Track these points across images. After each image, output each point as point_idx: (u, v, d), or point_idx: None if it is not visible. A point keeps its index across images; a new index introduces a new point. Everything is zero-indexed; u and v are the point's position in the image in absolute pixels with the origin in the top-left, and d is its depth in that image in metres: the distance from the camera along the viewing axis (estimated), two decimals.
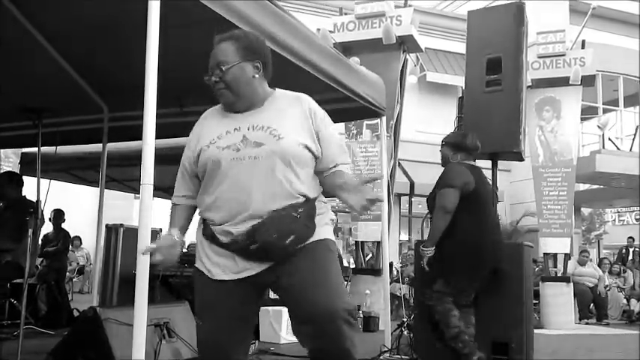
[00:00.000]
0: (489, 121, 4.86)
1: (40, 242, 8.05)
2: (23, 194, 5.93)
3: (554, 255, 9.84)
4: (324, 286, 2.03)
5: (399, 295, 8.84)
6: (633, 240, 15.02)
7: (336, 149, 2.20)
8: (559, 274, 9.64)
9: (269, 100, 2.20)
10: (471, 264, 4.13)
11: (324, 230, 2.16)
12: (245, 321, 2.20)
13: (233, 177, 2.06)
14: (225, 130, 2.13)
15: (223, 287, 2.10)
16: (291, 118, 2.14)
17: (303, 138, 2.12)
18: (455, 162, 4.34)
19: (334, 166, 2.17)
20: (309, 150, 2.13)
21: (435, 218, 4.13)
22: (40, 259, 8.25)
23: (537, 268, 10.46)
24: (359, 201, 2.01)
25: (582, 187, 17.06)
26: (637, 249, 14.24)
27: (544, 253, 9.83)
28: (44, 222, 5.57)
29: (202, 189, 2.17)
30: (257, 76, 2.16)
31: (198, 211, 2.21)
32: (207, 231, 2.13)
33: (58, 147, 6.01)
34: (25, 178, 6.80)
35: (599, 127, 16.30)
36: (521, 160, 5.19)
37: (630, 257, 13.59)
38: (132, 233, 5.97)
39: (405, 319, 6.50)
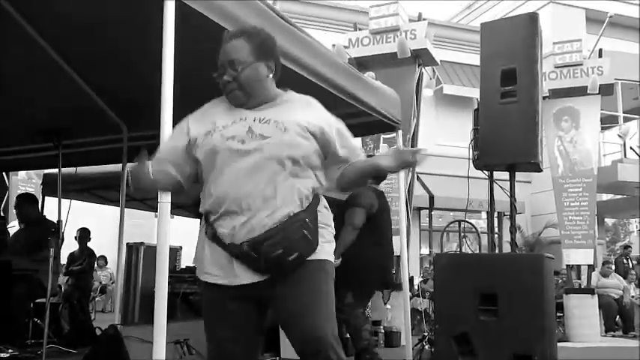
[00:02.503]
0: (506, 133, 4.84)
1: (65, 261, 8.17)
2: (44, 214, 6.04)
3: (578, 267, 9.71)
4: (310, 314, 1.98)
5: (420, 309, 8.78)
6: (631, 249, 14.73)
7: (357, 150, 2.20)
8: (583, 286, 9.50)
9: (280, 98, 2.13)
10: (373, 277, 4.72)
11: (325, 248, 2.08)
12: (245, 331, 2.08)
13: (236, 171, 1.97)
14: (231, 120, 2.05)
15: (220, 292, 2.03)
16: (301, 114, 2.07)
17: (310, 134, 2.04)
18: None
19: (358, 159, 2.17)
20: (317, 148, 2.06)
21: (344, 233, 4.57)
22: (66, 278, 8.35)
23: (560, 281, 10.33)
24: (402, 156, 2.07)
25: (605, 197, 16.84)
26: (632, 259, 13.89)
27: (567, 265, 9.71)
28: (63, 241, 5.66)
29: (204, 182, 2.08)
30: (270, 76, 2.11)
31: (201, 209, 2.09)
32: (209, 230, 2.04)
33: (78, 167, 6.11)
34: (47, 198, 6.91)
35: (619, 136, 16.10)
36: (540, 170, 5.14)
37: (630, 265, 13.21)
38: (152, 251, 6.01)
39: (426, 334, 6.47)
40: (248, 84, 2.06)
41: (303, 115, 2.08)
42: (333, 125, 2.13)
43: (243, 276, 1.99)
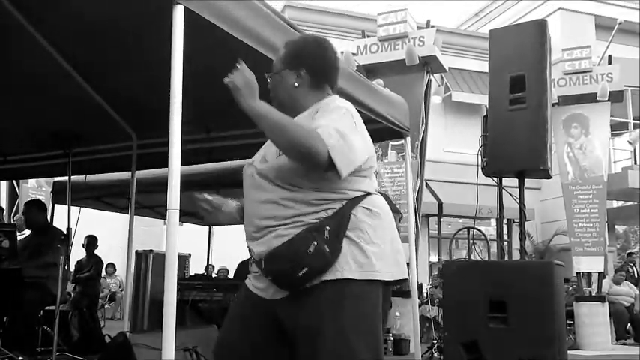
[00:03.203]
0: (514, 139, 4.83)
1: (73, 268, 8.20)
2: (52, 222, 6.08)
3: (588, 274, 9.65)
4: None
5: (429, 317, 8.76)
6: (634, 255, 14.50)
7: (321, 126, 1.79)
8: (593, 294, 9.44)
9: (308, 111, 1.97)
10: None
11: (350, 263, 1.80)
12: (263, 342, 1.95)
13: (248, 195, 1.98)
14: (265, 145, 2.02)
15: (251, 296, 1.97)
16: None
17: None
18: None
19: None
20: None
21: None
22: (73, 285, 8.39)
23: (571, 288, 10.26)
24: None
25: (616, 204, 16.75)
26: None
27: (577, 272, 9.65)
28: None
29: None
30: (297, 84, 1.99)
31: None
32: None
33: (88, 175, 6.14)
34: (57, 206, 6.94)
35: (629, 142, 16.03)
36: (549, 177, 5.13)
37: (634, 273, 12.99)
38: (162, 258, 6.01)
39: (435, 341, 6.45)
40: (275, 92, 2.01)
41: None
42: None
43: (268, 290, 1.91)
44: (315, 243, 1.77)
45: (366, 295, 1.82)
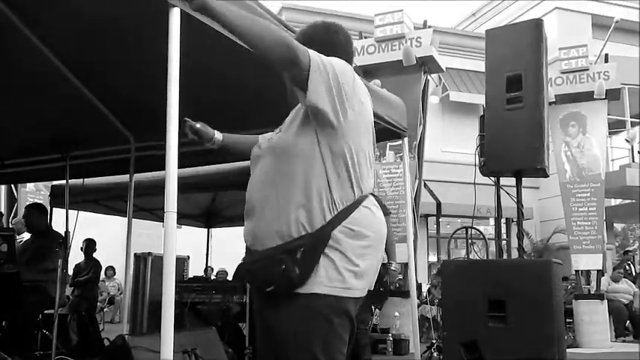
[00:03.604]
0: (512, 139, 4.83)
1: (71, 272, 8.20)
2: (49, 225, 6.07)
3: (587, 272, 9.66)
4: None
5: (428, 317, 8.76)
6: (631, 254, 14.49)
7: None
8: (592, 292, 9.45)
9: None
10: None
11: (321, 278, 1.77)
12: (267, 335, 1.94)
13: (253, 176, 1.98)
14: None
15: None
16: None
17: (303, 117, 1.85)
18: None
19: None
20: (318, 138, 1.82)
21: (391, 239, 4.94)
22: (72, 289, 8.38)
23: (570, 286, 10.27)
24: None
25: (614, 202, 16.77)
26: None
27: (576, 271, 9.67)
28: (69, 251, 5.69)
29: None
30: None
31: None
32: None
33: (86, 178, 6.13)
34: (55, 209, 6.93)
35: (627, 140, 16.05)
36: (546, 176, 5.13)
37: (631, 271, 12.98)
38: (160, 261, 5.98)
39: (434, 341, 6.45)
40: (285, 79, 1.96)
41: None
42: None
43: None
44: (284, 267, 1.75)
45: (333, 311, 1.79)
